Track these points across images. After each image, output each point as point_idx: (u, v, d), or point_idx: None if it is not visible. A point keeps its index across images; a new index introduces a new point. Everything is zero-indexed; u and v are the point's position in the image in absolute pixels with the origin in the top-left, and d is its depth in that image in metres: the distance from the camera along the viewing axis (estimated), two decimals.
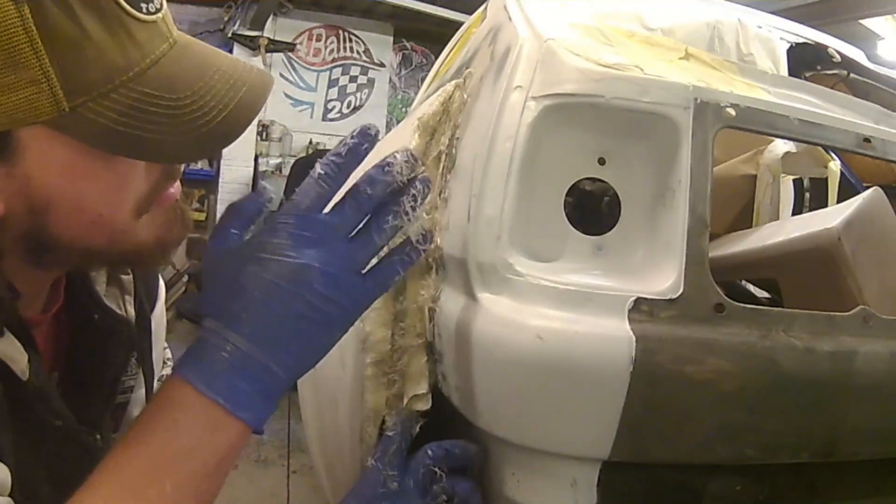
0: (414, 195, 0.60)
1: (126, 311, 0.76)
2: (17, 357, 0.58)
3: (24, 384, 0.58)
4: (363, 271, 0.60)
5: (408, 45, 6.04)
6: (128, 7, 0.53)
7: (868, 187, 1.28)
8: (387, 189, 0.59)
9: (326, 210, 0.59)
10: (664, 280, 0.72)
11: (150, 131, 0.54)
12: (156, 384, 0.82)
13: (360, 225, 0.60)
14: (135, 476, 0.54)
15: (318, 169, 0.59)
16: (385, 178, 0.59)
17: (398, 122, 4.83)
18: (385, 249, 0.62)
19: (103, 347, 0.71)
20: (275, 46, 5.47)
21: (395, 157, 0.60)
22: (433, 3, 4.98)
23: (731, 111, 0.78)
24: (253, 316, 0.58)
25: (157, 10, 0.56)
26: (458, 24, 1.80)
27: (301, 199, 0.59)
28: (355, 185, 0.59)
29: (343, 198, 0.59)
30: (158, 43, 0.56)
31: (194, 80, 0.57)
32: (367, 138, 0.60)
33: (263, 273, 0.58)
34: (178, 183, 0.65)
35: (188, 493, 0.55)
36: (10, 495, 0.53)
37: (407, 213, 0.60)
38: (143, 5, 0.55)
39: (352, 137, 0.59)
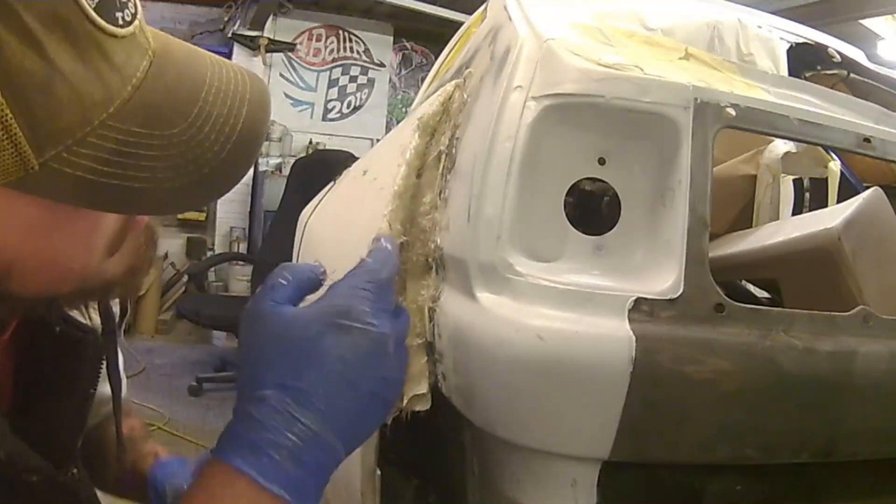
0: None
1: (90, 318, 0.66)
2: None
3: None
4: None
5: (408, 45, 6.04)
6: (101, 22, 0.42)
7: (868, 187, 1.27)
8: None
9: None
10: (664, 280, 0.72)
11: (138, 179, 0.44)
12: None
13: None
14: None
15: (386, 244, 0.60)
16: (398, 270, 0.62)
17: (398, 122, 4.83)
18: None
19: (69, 362, 0.62)
20: (275, 46, 5.47)
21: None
22: (433, 3, 4.98)
23: (731, 111, 0.78)
24: (330, 391, 0.51)
25: (133, 17, 0.45)
26: (458, 24, 1.80)
27: (381, 266, 0.57)
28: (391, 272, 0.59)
29: (387, 280, 0.58)
30: (138, 60, 0.45)
31: (188, 106, 0.47)
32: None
33: (349, 342, 0.53)
34: None
35: None
36: None
37: None
38: (118, 14, 0.44)
39: None
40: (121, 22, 0.44)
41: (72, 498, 0.56)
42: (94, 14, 0.42)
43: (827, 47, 1.54)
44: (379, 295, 0.55)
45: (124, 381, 0.80)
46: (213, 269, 5.00)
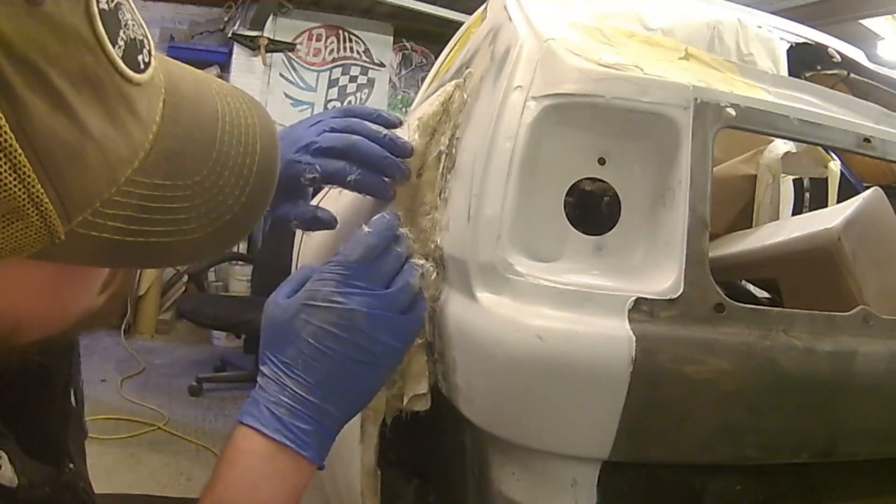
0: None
1: None
2: None
3: (16, 490, 0.48)
4: (403, 312, 0.68)
5: (408, 45, 6.04)
6: (129, 72, 0.40)
7: (868, 187, 1.27)
8: (408, 250, 0.72)
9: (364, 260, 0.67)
10: (664, 280, 0.72)
11: (162, 234, 0.42)
12: None
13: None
14: None
15: (365, 228, 0.68)
16: (406, 242, 0.72)
17: None
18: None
19: (42, 362, 0.58)
20: (275, 46, 5.46)
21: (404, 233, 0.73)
22: (433, 3, 4.97)
23: (731, 111, 0.78)
24: (307, 361, 0.63)
25: (150, 58, 0.42)
26: (458, 24, 1.80)
27: (352, 251, 0.66)
28: (389, 246, 0.69)
29: (382, 255, 0.68)
30: (155, 105, 0.43)
31: (206, 151, 0.45)
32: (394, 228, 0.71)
33: (314, 320, 0.63)
34: None
35: None
36: None
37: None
38: (139, 58, 0.41)
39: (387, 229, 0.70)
40: (141, 66, 0.41)
41: (73, 493, 0.59)
42: (122, 65, 0.39)
43: (827, 47, 1.54)
44: (348, 276, 0.65)
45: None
46: (213, 268, 4.99)
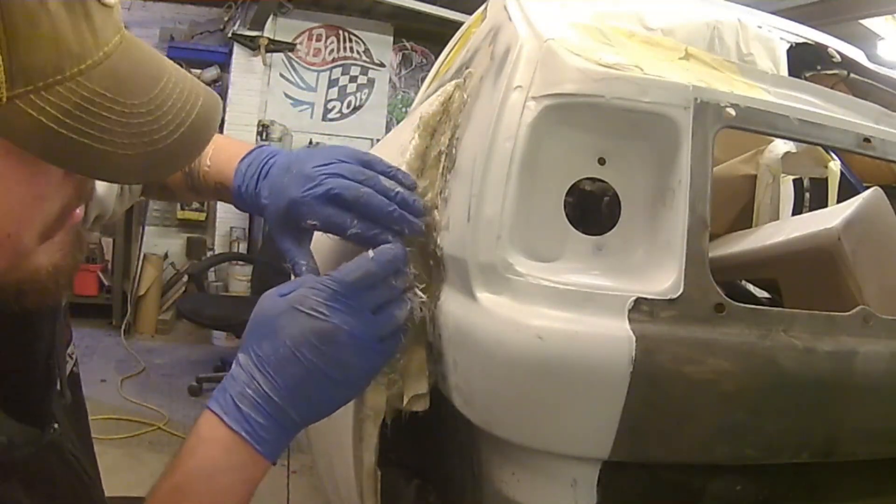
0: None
1: None
2: None
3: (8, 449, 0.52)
4: (380, 341, 0.68)
5: (408, 45, 6.03)
6: None
7: (868, 187, 1.27)
8: (405, 285, 0.72)
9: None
10: (664, 280, 0.72)
11: (97, 140, 0.45)
12: None
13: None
14: None
15: (371, 253, 0.69)
16: (406, 279, 0.72)
17: (398, 122, 4.83)
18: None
19: (23, 326, 0.59)
20: (275, 46, 5.46)
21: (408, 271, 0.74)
22: (433, 3, 4.97)
23: (731, 111, 0.78)
24: (280, 362, 0.63)
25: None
26: (458, 24, 1.80)
27: (351, 271, 0.67)
28: (387, 277, 0.70)
29: (378, 284, 0.69)
30: (111, 33, 0.47)
31: (150, 86, 0.49)
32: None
33: (296, 325, 0.64)
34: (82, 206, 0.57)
35: None
36: None
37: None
38: None
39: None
40: None
41: (59, 454, 0.61)
42: None
43: (827, 47, 1.54)
44: (339, 293, 0.65)
45: None
46: (212, 269, 4.99)
